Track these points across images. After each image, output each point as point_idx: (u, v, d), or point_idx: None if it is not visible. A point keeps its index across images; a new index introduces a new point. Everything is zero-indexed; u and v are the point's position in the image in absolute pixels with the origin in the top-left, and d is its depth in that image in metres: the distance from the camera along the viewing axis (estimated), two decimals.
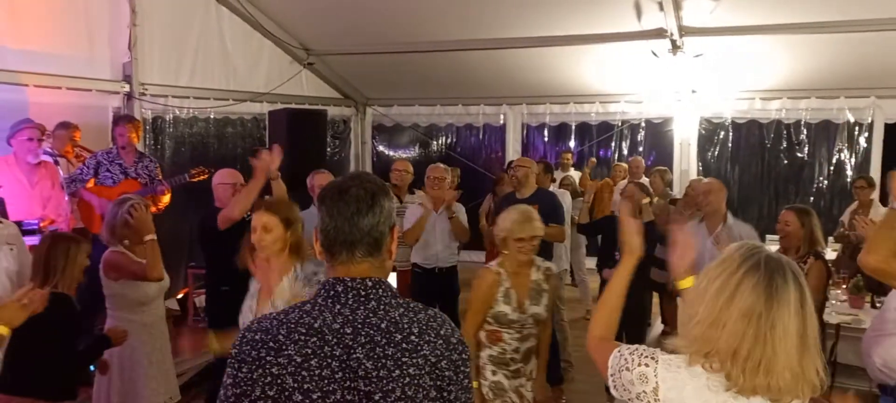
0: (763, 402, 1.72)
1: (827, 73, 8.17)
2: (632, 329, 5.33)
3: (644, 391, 1.80)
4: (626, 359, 1.86)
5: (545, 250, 5.57)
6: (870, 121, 8.56)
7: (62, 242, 3.57)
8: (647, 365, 1.81)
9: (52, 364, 3.34)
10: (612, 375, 1.90)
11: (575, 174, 9.24)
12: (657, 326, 6.82)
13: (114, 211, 4.03)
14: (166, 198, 6.14)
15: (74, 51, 6.46)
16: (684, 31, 7.72)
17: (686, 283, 2.26)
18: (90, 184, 5.90)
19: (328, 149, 9.49)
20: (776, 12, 7.19)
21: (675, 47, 7.92)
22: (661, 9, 7.39)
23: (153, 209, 5.10)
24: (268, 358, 1.58)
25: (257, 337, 1.62)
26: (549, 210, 5.64)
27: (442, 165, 6.11)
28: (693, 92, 8.97)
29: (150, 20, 7.04)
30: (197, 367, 5.69)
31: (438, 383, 1.63)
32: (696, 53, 8.00)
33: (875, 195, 7.29)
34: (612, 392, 1.91)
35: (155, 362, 4.14)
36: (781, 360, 1.68)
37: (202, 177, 6.11)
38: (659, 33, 7.75)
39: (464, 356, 1.70)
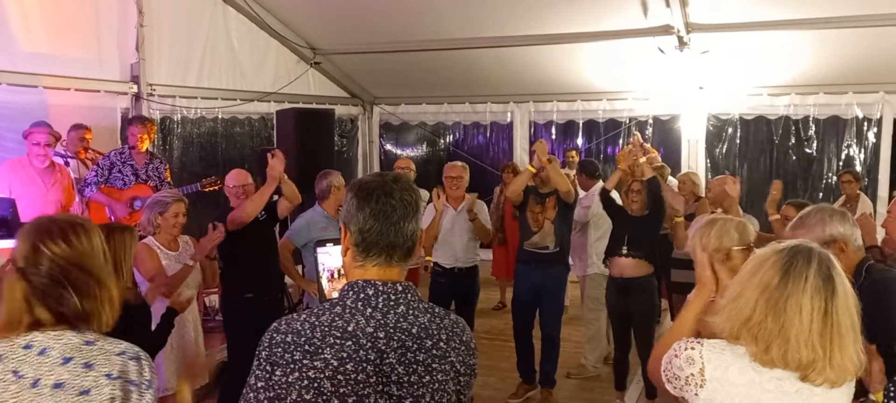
0: (796, 380, 1.77)
1: (835, 69, 8.13)
2: (640, 326, 5.35)
3: (692, 373, 1.86)
4: (675, 349, 1.92)
5: (563, 247, 5.60)
6: (879, 116, 8.51)
7: (118, 232, 3.42)
8: (693, 348, 1.88)
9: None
10: (664, 370, 1.95)
11: None
12: (666, 323, 6.82)
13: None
14: None
15: (83, 52, 6.51)
16: (691, 27, 7.70)
17: None
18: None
19: (335, 148, 9.51)
20: (783, 8, 7.17)
21: (681, 44, 7.90)
22: (668, 5, 7.38)
23: None
24: (304, 361, 1.58)
25: (289, 340, 1.60)
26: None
27: (459, 163, 5.98)
28: (700, 88, 8.94)
29: (158, 21, 7.09)
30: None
31: (458, 388, 1.67)
32: (702, 50, 7.98)
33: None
34: (667, 387, 1.96)
35: (176, 347, 4.27)
36: (795, 334, 1.74)
37: (214, 188, 6.12)
38: (666, 30, 7.73)
39: (475, 357, 1.75)
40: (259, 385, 1.60)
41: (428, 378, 1.61)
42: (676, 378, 1.89)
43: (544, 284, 5.53)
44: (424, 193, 6.80)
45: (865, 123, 8.61)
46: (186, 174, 7.46)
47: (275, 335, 1.63)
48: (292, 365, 1.58)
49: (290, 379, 1.57)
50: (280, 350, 1.60)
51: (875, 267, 2.69)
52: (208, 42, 7.88)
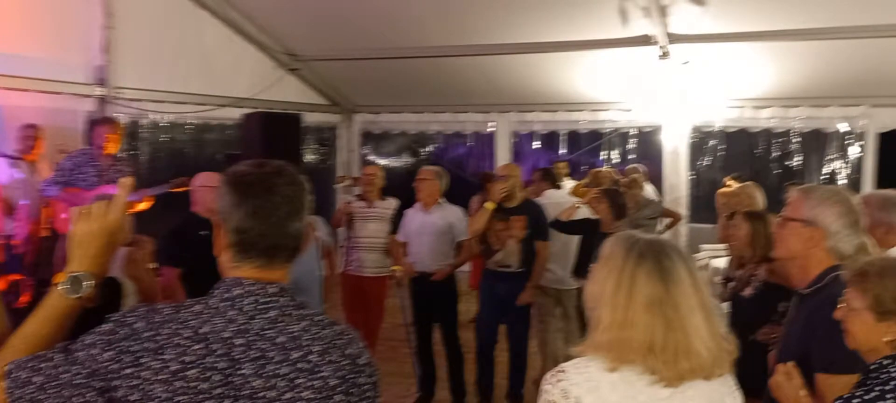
0: (691, 385, 1.69)
1: (818, 82, 8.02)
2: None
3: None
4: (545, 387, 1.77)
5: (529, 266, 5.42)
6: (862, 129, 8.40)
7: None
8: (561, 379, 1.73)
9: None
10: None
11: (570, 183, 9.07)
12: None
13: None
14: (142, 206, 5.99)
15: (44, 53, 6.33)
16: (672, 38, 7.58)
17: None
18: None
19: (315, 156, 9.37)
20: (766, 19, 7.04)
21: (664, 55, 7.78)
22: (648, 15, 7.25)
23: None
24: (143, 360, 1.38)
25: (138, 326, 1.42)
26: (535, 223, 5.43)
27: (432, 168, 5.92)
28: (683, 100, 8.82)
29: (126, 22, 6.91)
30: None
31: None
32: (683, 61, 7.85)
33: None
34: None
35: None
36: (695, 339, 1.67)
37: (184, 189, 5.96)
38: (645, 40, 7.61)
39: (372, 379, 1.53)
40: (79, 358, 1.40)
41: (290, 394, 1.42)
42: None
43: (509, 301, 5.35)
44: (393, 201, 6.66)
45: (848, 137, 8.49)
46: (155, 181, 7.28)
47: (128, 315, 1.45)
48: (125, 355, 1.39)
49: (111, 367, 1.39)
50: (124, 331, 1.42)
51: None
52: (180, 45, 7.70)
